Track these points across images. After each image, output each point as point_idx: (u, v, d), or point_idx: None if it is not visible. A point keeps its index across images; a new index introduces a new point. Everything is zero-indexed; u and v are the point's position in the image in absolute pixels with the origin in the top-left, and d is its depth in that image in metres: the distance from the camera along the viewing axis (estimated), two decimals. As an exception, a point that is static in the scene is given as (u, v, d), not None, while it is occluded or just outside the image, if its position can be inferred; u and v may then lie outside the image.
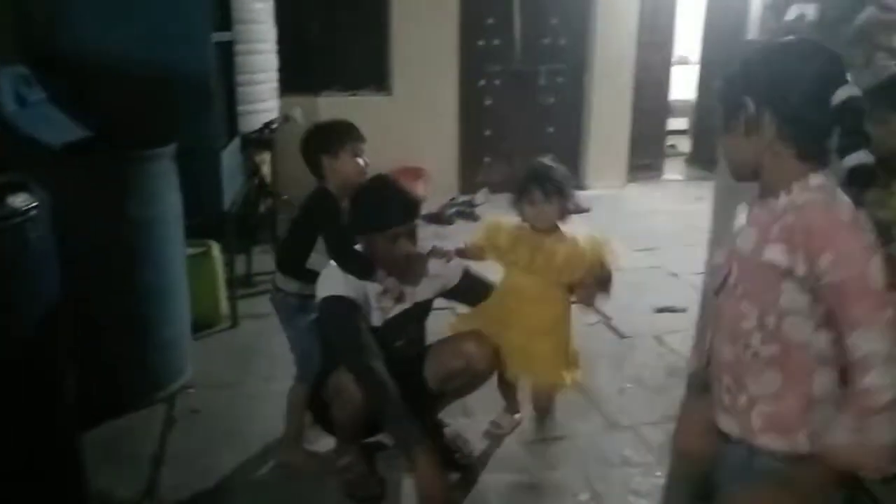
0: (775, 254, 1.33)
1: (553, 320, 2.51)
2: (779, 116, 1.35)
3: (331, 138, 2.55)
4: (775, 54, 1.38)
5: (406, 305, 2.38)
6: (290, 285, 2.54)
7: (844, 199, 1.33)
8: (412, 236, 2.28)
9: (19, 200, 1.78)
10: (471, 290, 2.57)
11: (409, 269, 2.33)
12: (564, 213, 2.45)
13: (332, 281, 2.24)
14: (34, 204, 1.82)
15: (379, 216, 2.24)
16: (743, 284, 1.43)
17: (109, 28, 3.22)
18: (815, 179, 1.35)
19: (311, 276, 2.38)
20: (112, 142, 2.94)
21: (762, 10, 6.30)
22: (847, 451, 1.29)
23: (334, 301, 2.20)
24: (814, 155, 1.37)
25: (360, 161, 2.55)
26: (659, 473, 2.57)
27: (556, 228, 2.44)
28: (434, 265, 2.44)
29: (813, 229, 1.28)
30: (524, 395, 2.81)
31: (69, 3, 3.21)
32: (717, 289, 1.53)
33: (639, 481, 2.55)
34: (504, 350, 2.49)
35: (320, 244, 2.46)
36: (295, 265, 2.52)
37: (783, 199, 1.37)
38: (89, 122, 3.05)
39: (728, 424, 1.51)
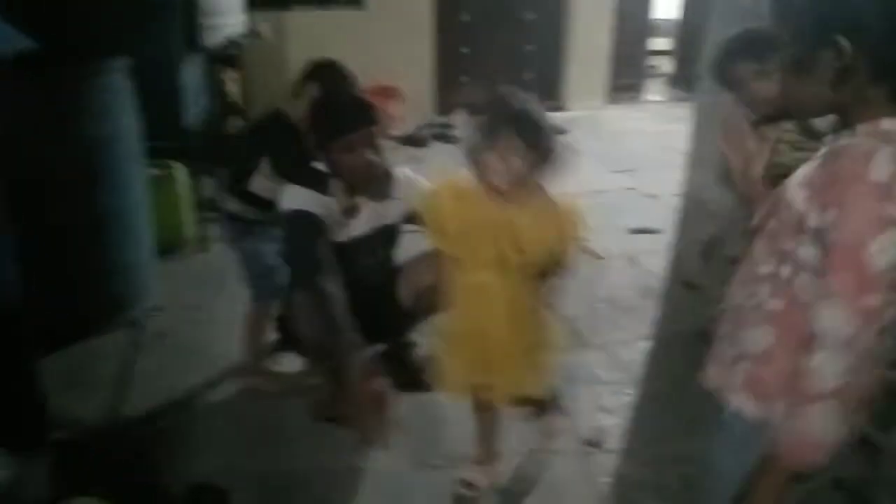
0: (796, 195, 1.13)
1: (528, 321, 1.86)
2: (877, 59, 1.04)
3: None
4: None
5: (372, 224, 2.30)
6: (230, 205, 2.46)
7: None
8: (372, 145, 2.19)
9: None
10: None
11: (371, 179, 2.24)
12: (541, 171, 1.74)
13: (296, 194, 2.16)
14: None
15: (331, 123, 2.15)
16: (772, 224, 1.22)
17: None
18: (887, 123, 1.06)
19: (252, 199, 2.34)
20: (60, 53, 2.77)
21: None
22: (777, 434, 1.14)
23: (294, 215, 2.13)
24: None
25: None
26: (629, 391, 2.58)
27: (527, 193, 1.74)
28: (401, 187, 2.32)
29: (834, 178, 1.06)
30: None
31: None
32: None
33: (608, 399, 2.56)
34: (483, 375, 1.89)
35: (266, 167, 2.35)
36: (236, 185, 2.43)
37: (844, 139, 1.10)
38: (35, 32, 2.86)
39: (712, 376, 1.37)
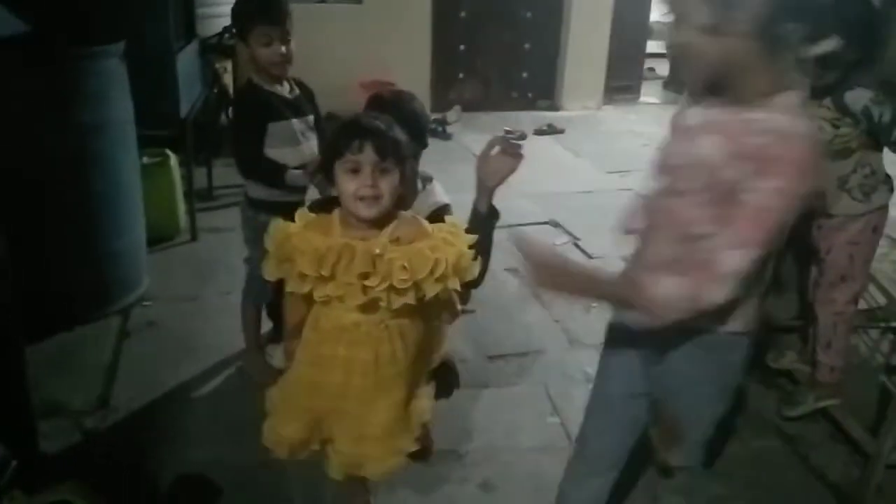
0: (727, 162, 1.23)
1: (395, 373, 1.55)
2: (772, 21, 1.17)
3: (240, 22, 2.31)
4: None
5: None
6: (256, 191, 2.38)
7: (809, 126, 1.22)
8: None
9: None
10: None
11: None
12: (405, 189, 1.53)
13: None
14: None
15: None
16: (703, 190, 1.28)
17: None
18: (790, 97, 1.22)
19: (272, 174, 2.26)
20: (54, 37, 2.73)
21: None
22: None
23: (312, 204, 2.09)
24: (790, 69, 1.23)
25: (276, 48, 2.24)
26: (620, 390, 2.58)
27: (390, 218, 1.49)
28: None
29: (769, 155, 1.17)
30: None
31: None
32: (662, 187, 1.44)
33: (599, 398, 2.55)
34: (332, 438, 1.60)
35: (273, 138, 2.29)
36: (250, 165, 2.34)
37: (759, 115, 1.21)
38: (29, 16, 2.82)
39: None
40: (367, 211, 1.44)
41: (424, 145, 1.86)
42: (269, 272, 1.48)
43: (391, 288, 1.41)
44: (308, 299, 1.49)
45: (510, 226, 3.98)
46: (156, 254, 3.34)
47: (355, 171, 1.43)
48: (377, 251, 1.42)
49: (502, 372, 2.69)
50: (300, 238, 1.45)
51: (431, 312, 1.59)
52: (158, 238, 3.44)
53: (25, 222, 2.49)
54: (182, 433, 2.30)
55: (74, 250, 2.76)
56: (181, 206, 3.66)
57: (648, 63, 7.92)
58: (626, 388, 1.60)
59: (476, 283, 1.66)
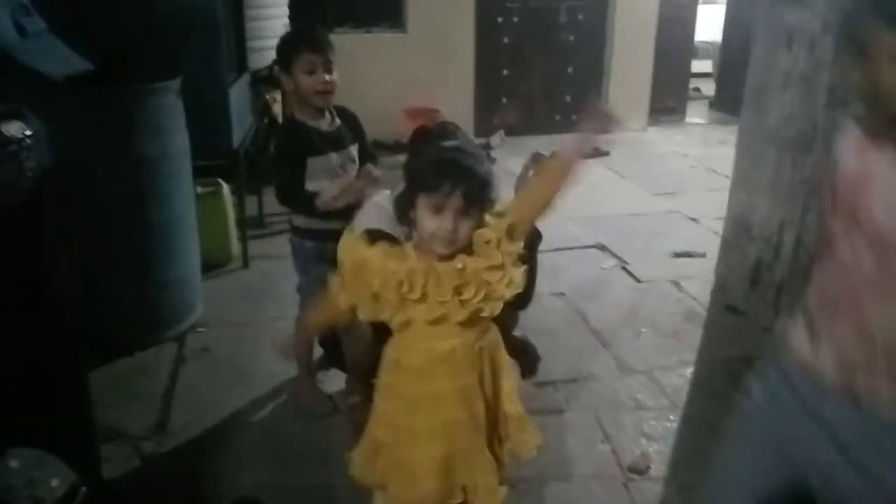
0: None
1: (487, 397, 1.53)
2: None
3: (283, 53, 2.36)
4: None
5: None
6: (298, 220, 2.45)
7: None
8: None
9: (14, 128, 1.71)
10: None
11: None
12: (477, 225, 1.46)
13: (372, 214, 2.11)
14: (29, 132, 1.75)
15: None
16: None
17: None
18: None
19: (310, 206, 2.30)
20: (115, 74, 2.85)
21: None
22: None
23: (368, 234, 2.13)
24: None
25: (319, 76, 2.29)
26: (672, 417, 2.53)
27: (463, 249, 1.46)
28: None
29: None
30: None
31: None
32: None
33: (652, 425, 2.52)
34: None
35: (313, 172, 2.32)
36: (290, 199, 2.38)
37: None
38: (92, 54, 2.96)
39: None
40: (441, 249, 1.42)
41: None
42: (342, 298, 1.45)
43: (487, 296, 1.42)
44: (378, 334, 1.46)
45: (556, 249, 4.00)
46: (209, 280, 3.42)
47: (438, 210, 1.40)
48: (460, 266, 1.41)
49: (551, 398, 2.67)
50: (376, 261, 1.42)
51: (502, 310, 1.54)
52: (212, 265, 3.53)
53: (87, 250, 2.59)
54: (236, 457, 2.34)
55: (133, 278, 2.86)
56: (234, 234, 3.75)
57: (693, 83, 7.85)
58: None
59: (523, 305, 1.67)
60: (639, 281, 3.70)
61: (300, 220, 2.43)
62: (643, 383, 2.78)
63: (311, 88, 2.29)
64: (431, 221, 1.40)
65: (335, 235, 2.01)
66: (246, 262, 3.72)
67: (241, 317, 3.22)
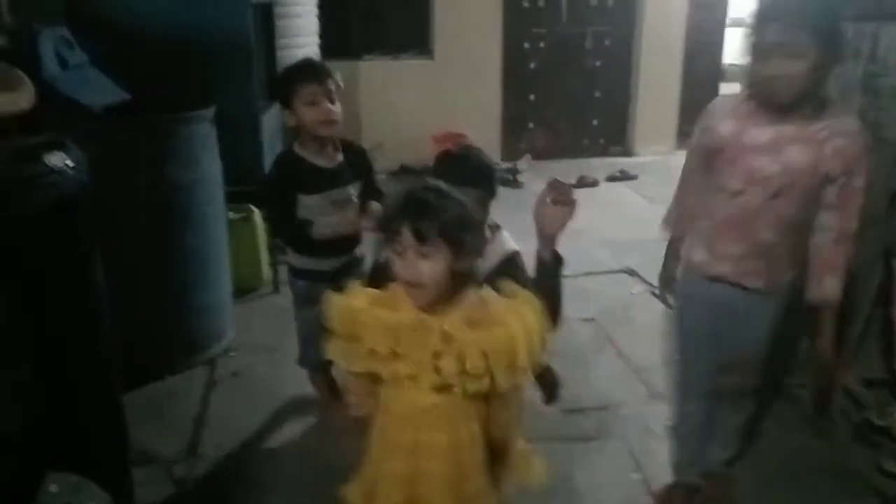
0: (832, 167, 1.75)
1: (474, 458, 1.43)
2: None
3: (282, 88, 2.30)
4: None
5: None
6: (291, 258, 2.47)
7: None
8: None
9: (56, 158, 1.77)
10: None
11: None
12: (471, 264, 1.38)
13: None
14: (71, 162, 1.80)
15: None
16: (798, 189, 1.78)
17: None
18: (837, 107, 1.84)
19: (301, 238, 2.30)
20: (152, 104, 2.93)
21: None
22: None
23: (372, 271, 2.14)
24: None
25: (321, 106, 2.23)
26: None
27: (458, 294, 1.38)
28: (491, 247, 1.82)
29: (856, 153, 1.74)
30: None
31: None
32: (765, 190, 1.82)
33: (683, 453, 2.47)
34: None
35: (304, 209, 2.28)
36: (279, 229, 2.41)
37: (831, 123, 1.75)
38: (130, 84, 3.05)
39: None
40: (413, 298, 1.34)
41: (493, 195, 1.88)
42: (335, 353, 1.41)
43: (463, 372, 1.30)
44: (375, 380, 1.40)
45: (584, 274, 3.98)
46: (240, 305, 3.46)
47: (399, 252, 1.31)
48: (447, 328, 1.31)
49: (580, 426, 2.64)
50: (367, 314, 1.35)
51: (497, 399, 1.40)
52: (243, 290, 3.57)
53: (121, 275, 2.63)
54: (267, 480, 2.35)
55: (167, 302, 2.91)
56: (264, 259, 3.80)
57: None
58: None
59: (550, 330, 1.64)
60: (670, 306, 3.66)
61: (293, 258, 2.46)
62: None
63: (314, 120, 2.23)
64: (396, 264, 1.33)
65: (326, 276, 2.00)
66: (276, 286, 3.76)
67: (272, 341, 3.24)
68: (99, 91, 2.95)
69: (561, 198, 1.66)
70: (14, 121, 1.89)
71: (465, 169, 1.77)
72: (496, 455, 1.46)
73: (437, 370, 1.31)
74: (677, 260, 2.12)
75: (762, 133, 1.79)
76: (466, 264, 1.35)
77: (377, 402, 1.45)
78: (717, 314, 1.96)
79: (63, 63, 2.83)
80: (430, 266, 1.30)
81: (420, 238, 1.28)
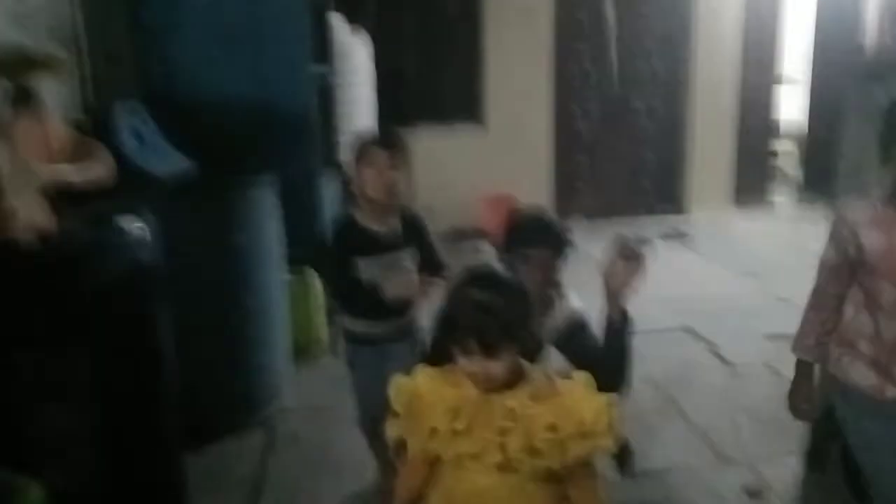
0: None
1: None
2: None
3: (354, 152, 2.30)
4: None
5: None
6: (346, 322, 2.43)
7: None
8: (546, 268, 2.01)
9: (127, 222, 1.86)
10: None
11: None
12: (534, 347, 1.45)
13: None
14: (141, 225, 1.89)
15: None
16: None
17: (217, 66, 3.41)
18: None
19: (361, 307, 2.28)
20: (217, 171, 3.05)
21: (879, 18, 5.93)
22: None
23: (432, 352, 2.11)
24: None
25: (383, 172, 2.23)
26: (778, 512, 2.38)
27: (521, 373, 1.38)
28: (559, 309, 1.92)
29: None
30: None
31: (182, 47, 3.43)
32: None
33: (756, 520, 2.36)
34: None
35: (359, 271, 2.26)
36: (335, 290, 2.38)
37: None
38: (196, 153, 3.18)
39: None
40: (481, 387, 1.34)
41: (565, 255, 1.88)
42: (396, 432, 1.40)
43: (531, 448, 1.29)
44: (433, 463, 1.39)
45: (641, 332, 3.89)
46: (298, 366, 3.50)
47: (467, 354, 1.32)
48: (512, 404, 1.31)
49: (648, 491, 2.55)
50: (430, 392, 1.36)
51: (572, 479, 1.37)
52: (299, 351, 3.61)
53: (181, 336, 2.70)
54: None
55: (225, 363, 2.95)
56: (321, 320, 3.85)
57: (775, 162, 7.71)
58: None
59: (616, 388, 1.61)
60: (731, 364, 3.56)
61: (348, 322, 2.40)
62: (743, 474, 2.62)
63: (373, 183, 2.22)
64: (463, 361, 1.34)
65: (381, 339, 1.99)
66: (333, 347, 3.79)
67: (328, 402, 3.24)
68: (167, 161, 3.09)
69: (630, 254, 1.66)
70: (93, 189, 1.99)
71: (537, 230, 1.79)
72: None
73: (503, 448, 1.30)
74: (811, 383, 2.00)
75: None
76: (530, 350, 1.36)
77: (429, 485, 1.43)
78: None
79: (139, 138, 2.99)
80: (497, 366, 1.31)
81: (487, 349, 1.29)
